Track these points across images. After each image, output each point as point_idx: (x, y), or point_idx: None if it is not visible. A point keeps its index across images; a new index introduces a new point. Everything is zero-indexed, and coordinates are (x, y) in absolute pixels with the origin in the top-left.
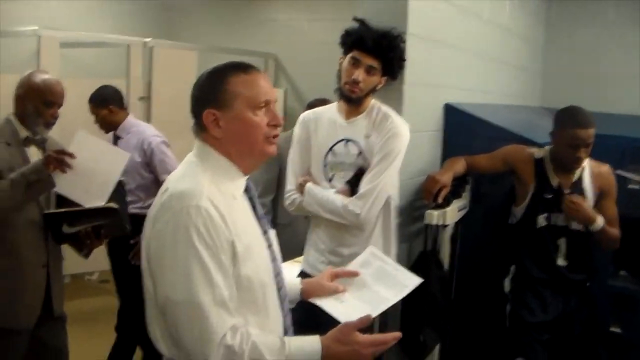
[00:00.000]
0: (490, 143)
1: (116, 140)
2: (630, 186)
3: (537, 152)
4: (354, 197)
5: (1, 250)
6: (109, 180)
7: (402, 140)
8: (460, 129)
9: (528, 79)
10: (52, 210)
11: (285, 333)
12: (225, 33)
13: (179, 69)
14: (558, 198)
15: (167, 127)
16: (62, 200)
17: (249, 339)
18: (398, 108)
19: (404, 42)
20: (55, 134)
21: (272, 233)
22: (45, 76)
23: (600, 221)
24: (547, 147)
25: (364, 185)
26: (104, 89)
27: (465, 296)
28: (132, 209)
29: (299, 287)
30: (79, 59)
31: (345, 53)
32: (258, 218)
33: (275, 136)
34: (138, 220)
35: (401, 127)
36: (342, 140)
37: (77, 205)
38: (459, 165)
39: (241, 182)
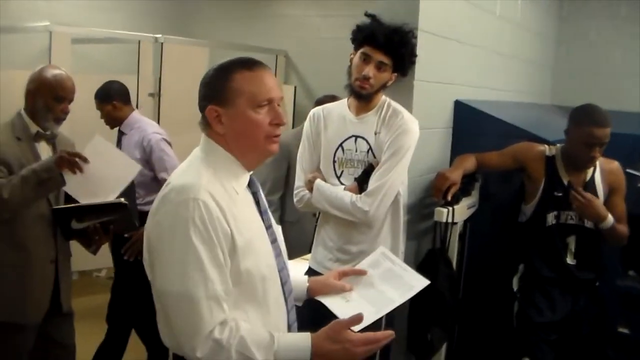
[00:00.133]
0: (501, 140)
1: (120, 136)
2: None
3: (548, 150)
4: (362, 194)
5: (10, 245)
6: (115, 187)
7: (411, 136)
8: (471, 126)
9: (539, 76)
10: (61, 206)
11: (289, 328)
12: (236, 29)
13: (190, 65)
14: (568, 196)
15: (177, 124)
16: (71, 196)
17: (238, 333)
18: (408, 104)
19: (415, 38)
20: (66, 130)
21: (277, 228)
22: (56, 71)
23: (610, 219)
24: (558, 145)
25: (373, 182)
26: (109, 84)
27: (473, 295)
28: None
29: (305, 284)
30: (90, 55)
31: (356, 49)
32: (261, 212)
33: (277, 135)
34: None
35: (411, 124)
36: (351, 136)
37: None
38: (469, 162)
39: (244, 177)
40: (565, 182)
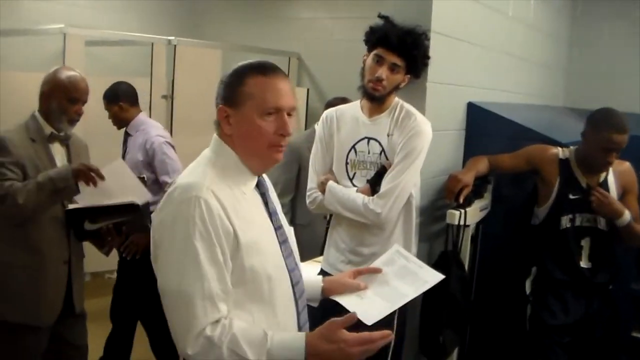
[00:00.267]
0: (514, 142)
1: (126, 137)
2: None
3: (562, 152)
4: (375, 195)
5: (24, 247)
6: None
7: (424, 138)
8: (483, 128)
9: (552, 78)
10: (74, 207)
11: (300, 330)
12: (249, 32)
13: (203, 68)
14: (586, 198)
15: (189, 126)
16: None
17: (230, 330)
18: (421, 106)
19: (428, 39)
20: (79, 131)
21: (290, 230)
22: (70, 73)
23: (627, 215)
24: (572, 148)
25: (386, 184)
26: (117, 85)
27: (486, 297)
28: None
29: (320, 284)
30: (104, 57)
31: (369, 50)
32: (270, 214)
33: (281, 145)
34: None
35: (424, 126)
36: (364, 138)
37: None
38: (482, 164)
39: (251, 178)
40: (584, 185)
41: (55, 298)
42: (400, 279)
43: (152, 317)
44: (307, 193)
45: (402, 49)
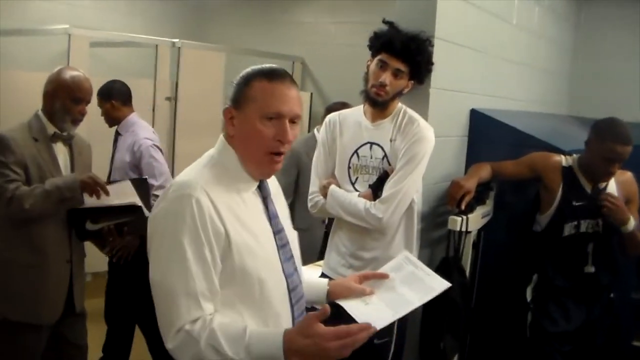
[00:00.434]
0: (516, 150)
1: (117, 136)
2: None
3: (565, 160)
4: (377, 200)
5: (27, 246)
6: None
7: (427, 144)
8: (486, 134)
9: (555, 85)
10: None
11: None
12: (253, 35)
13: (206, 70)
14: (591, 204)
15: (193, 127)
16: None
17: (210, 325)
18: (424, 112)
19: (432, 45)
20: (82, 131)
21: (293, 234)
22: (74, 73)
23: (632, 222)
24: (575, 155)
25: (388, 189)
26: (111, 83)
27: (487, 304)
28: None
29: (326, 288)
30: (108, 58)
31: (373, 55)
32: (270, 217)
33: (280, 153)
34: None
35: (426, 132)
36: (367, 143)
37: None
38: (484, 171)
39: (251, 181)
40: (589, 191)
41: (57, 297)
42: (406, 286)
43: (147, 318)
44: (309, 197)
45: (406, 55)
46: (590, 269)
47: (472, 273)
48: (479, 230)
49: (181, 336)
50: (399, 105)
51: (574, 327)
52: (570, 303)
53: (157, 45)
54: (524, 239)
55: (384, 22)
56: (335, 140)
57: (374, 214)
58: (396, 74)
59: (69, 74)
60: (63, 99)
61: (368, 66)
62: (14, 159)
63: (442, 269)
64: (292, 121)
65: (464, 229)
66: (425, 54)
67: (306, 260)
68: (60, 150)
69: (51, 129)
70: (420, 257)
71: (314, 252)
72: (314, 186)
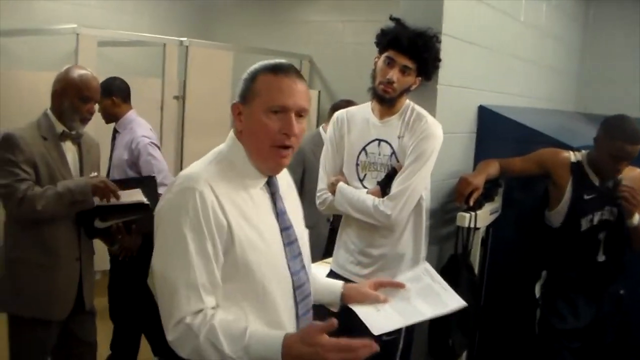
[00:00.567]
0: (525, 146)
1: (115, 134)
2: None
3: (574, 156)
4: (385, 197)
5: (37, 245)
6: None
7: (435, 141)
8: (494, 131)
9: (563, 82)
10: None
11: None
12: (261, 34)
13: (214, 69)
14: (602, 196)
15: (201, 126)
16: None
17: (210, 321)
18: (432, 109)
19: (439, 42)
20: (90, 129)
21: (302, 232)
22: (82, 72)
23: (637, 217)
24: (584, 151)
25: (396, 186)
26: (111, 80)
27: (495, 301)
28: None
29: (340, 290)
30: (116, 57)
31: (381, 52)
32: (278, 214)
33: (286, 147)
34: None
35: (435, 128)
36: (375, 140)
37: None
38: (493, 167)
39: (259, 177)
40: (597, 183)
41: (67, 295)
42: (421, 298)
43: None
44: (317, 194)
45: (413, 52)
46: (602, 257)
47: (480, 270)
48: (488, 227)
49: (181, 329)
50: (407, 102)
51: (583, 324)
52: (579, 300)
53: (165, 44)
54: (533, 236)
55: (391, 18)
56: (343, 138)
57: (383, 210)
58: (404, 70)
59: (77, 72)
60: (72, 98)
61: (375, 63)
62: (23, 157)
63: (450, 266)
64: (299, 115)
65: (472, 225)
66: (433, 50)
67: (312, 258)
68: (69, 149)
69: (60, 128)
70: (428, 254)
71: (319, 249)
72: (322, 183)
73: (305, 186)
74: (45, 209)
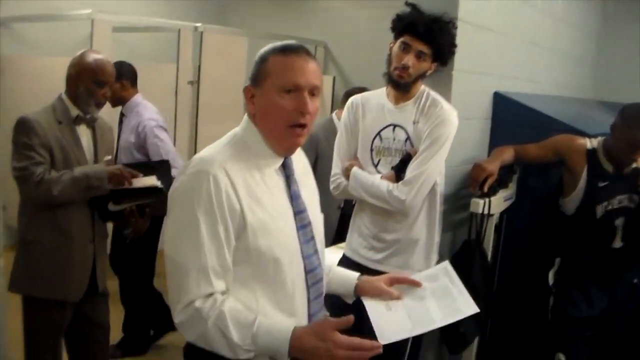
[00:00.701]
0: (540, 133)
1: (121, 117)
2: None
3: (590, 143)
4: (399, 182)
5: (52, 227)
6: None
7: (450, 127)
8: (509, 117)
9: (580, 70)
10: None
11: (310, 318)
12: (276, 20)
13: (229, 55)
14: (616, 184)
15: (215, 111)
16: None
17: (220, 307)
18: (447, 95)
19: (455, 28)
20: (104, 114)
21: (316, 216)
22: (97, 56)
23: None
24: (600, 138)
25: (411, 171)
26: (119, 63)
27: (508, 287)
28: None
29: (354, 282)
30: (131, 43)
31: (396, 38)
32: (292, 197)
33: (302, 125)
34: None
35: (450, 114)
36: (389, 125)
37: None
38: (507, 154)
39: (274, 159)
40: (611, 170)
41: (81, 276)
42: (435, 300)
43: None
44: (331, 179)
45: (429, 37)
46: (618, 244)
47: (494, 256)
48: (502, 214)
49: (190, 312)
50: (422, 87)
51: (596, 313)
52: (593, 287)
53: (179, 30)
54: (547, 223)
55: (407, 4)
56: (358, 122)
57: (397, 195)
58: (419, 56)
59: (92, 57)
60: (87, 83)
61: (391, 48)
62: (39, 141)
63: (464, 252)
64: (312, 93)
65: (486, 211)
66: (449, 35)
67: None
68: (84, 133)
69: (75, 112)
70: (442, 240)
71: (329, 235)
72: (336, 168)
73: (317, 172)
74: (61, 194)
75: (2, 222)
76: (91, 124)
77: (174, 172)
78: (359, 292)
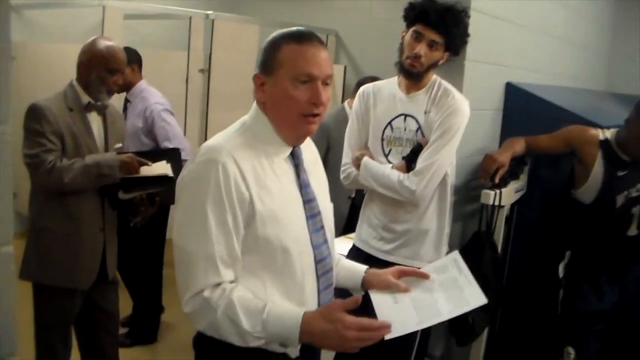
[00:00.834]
0: (552, 124)
1: (126, 103)
2: None
3: (602, 134)
4: (410, 172)
5: (63, 215)
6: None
7: (462, 117)
8: (521, 108)
9: (593, 62)
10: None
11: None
12: (287, 8)
13: (240, 43)
14: (635, 172)
15: (226, 99)
16: None
17: (229, 296)
18: (459, 85)
19: (468, 17)
20: (115, 101)
21: (326, 205)
22: (108, 43)
23: None
24: (613, 129)
25: (422, 161)
26: (126, 49)
27: (518, 279)
28: None
29: (362, 275)
30: (142, 30)
31: (408, 27)
32: (301, 186)
33: (315, 115)
34: None
35: (461, 104)
36: (401, 115)
37: None
38: (519, 145)
39: (283, 148)
40: (628, 159)
41: (91, 264)
42: (443, 291)
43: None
44: (342, 168)
45: (441, 26)
46: (633, 232)
47: (504, 248)
48: (512, 205)
49: (198, 301)
50: (434, 77)
51: (606, 306)
52: (603, 280)
53: (190, 17)
54: (558, 215)
55: None
56: (369, 112)
57: (407, 186)
58: (431, 45)
59: (103, 44)
60: (98, 70)
61: (403, 37)
62: (50, 128)
63: (474, 243)
64: (325, 83)
65: (496, 203)
66: (461, 25)
67: None
68: (95, 120)
69: (85, 99)
70: (452, 231)
71: (340, 225)
72: (346, 157)
73: (329, 162)
74: (72, 182)
75: (12, 210)
76: (102, 111)
77: (184, 154)
78: (367, 285)
